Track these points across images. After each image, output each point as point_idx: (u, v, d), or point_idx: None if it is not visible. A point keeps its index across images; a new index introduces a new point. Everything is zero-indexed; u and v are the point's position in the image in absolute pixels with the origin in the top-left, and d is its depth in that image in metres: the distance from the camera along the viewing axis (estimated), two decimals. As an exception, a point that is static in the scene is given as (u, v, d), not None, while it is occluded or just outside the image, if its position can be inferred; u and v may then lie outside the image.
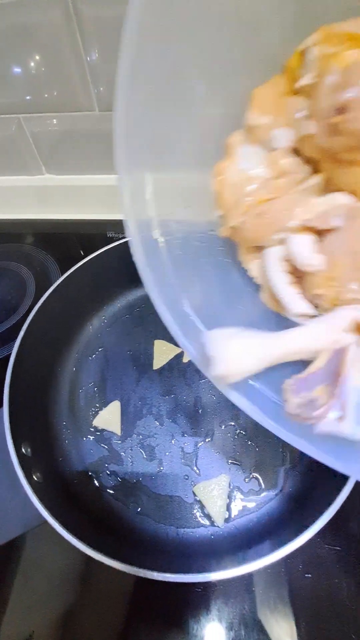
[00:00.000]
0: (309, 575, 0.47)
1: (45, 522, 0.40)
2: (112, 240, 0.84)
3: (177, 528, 0.50)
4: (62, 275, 0.81)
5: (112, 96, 0.49)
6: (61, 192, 0.91)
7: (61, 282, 0.64)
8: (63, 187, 0.90)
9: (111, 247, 0.69)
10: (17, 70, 0.70)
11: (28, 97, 0.75)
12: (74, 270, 0.66)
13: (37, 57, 0.68)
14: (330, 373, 0.28)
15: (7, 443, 0.45)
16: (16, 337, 0.70)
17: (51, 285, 0.80)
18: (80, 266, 0.66)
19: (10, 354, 0.54)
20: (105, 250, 0.68)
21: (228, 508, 0.51)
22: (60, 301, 0.65)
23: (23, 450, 0.47)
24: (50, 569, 0.49)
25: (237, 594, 0.46)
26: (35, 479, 0.45)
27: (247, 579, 0.47)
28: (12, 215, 0.96)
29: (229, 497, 0.52)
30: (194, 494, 0.52)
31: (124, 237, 0.70)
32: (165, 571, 0.39)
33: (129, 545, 0.47)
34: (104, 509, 0.51)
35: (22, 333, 0.56)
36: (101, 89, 0.71)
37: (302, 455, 0.34)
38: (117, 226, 0.91)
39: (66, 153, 0.85)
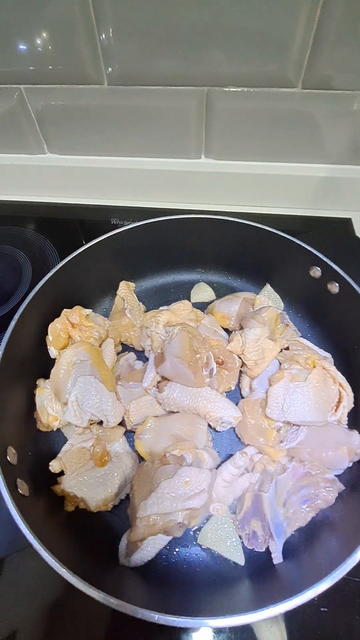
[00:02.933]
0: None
1: (30, 545, 0.35)
2: (115, 227, 0.79)
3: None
4: (60, 261, 0.76)
5: (124, 68, 0.44)
6: (63, 173, 0.84)
7: (58, 269, 0.59)
8: (66, 168, 0.83)
9: (114, 234, 0.63)
10: (22, 38, 0.63)
11: (31, 67, 0.68)
12: (73, 257, 0.60)
13: (43, 25, 0.62)
14: (256, 510, 0.46)
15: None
16: (6, 328, 0.65)
17: (48, 272, 0.75)
18: (80, 253, 0.60)
19: None
20: (108, 237, 0.62)
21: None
22: (56, 290, 0.59)
23: (8, 457, 0.42)
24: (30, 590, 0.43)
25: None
26: (21, 491, 0.40)
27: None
28: (9, 197, 0.89)
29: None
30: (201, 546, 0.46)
31: (128, 224, 0.65)
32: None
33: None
34: (99, 529, 0.46)
35: (12, 324, 0.51)
36: (114, 63, 0.65)
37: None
38: (122, 212, 0.84)
39: (71, 130, 0.78)
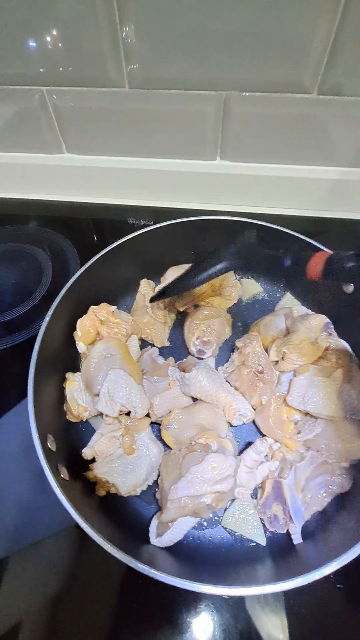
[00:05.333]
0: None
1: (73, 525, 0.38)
2: (132, 226, 0.81)
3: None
4: (80, 259, 0.78)
5: (146, 71, 0.45)
6: (81, 173, 0.86)
7: (86, 268, 0.61)
8: (84, 168, 0.85)
9: (138, 235, 0.65)
10: (44, 40, 0.65)
11: (53, 69, 0.70)
12: (100, 257, 0.62)
13: (66, 26, 0.64)
14: (276, 495, 0.49)
15: (33, 437, 0.42)
16: (34, 322, 0.67)
17: (69, 269, 0.77)
18: (105, 252, 0.63)
19: (29, 339, 0.51)
20: (132, 237, 0.65)
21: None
22: (82, 289, 0.61)
23: (48, 444, 0.45)
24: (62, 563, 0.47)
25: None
26: (62, 476, 0.43)
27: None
28: (27, 195, 0.91)
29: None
30: (225, 528, 0.50)
31: (145, 224, 0.67)
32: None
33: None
34: (129, 513, 0.50)
35: (46, 320, 0.53)
36: (135, 65, 0.67)
37: None
38: (139, 212, 0.87)
39: (89, 131, 0.80)
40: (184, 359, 0.60)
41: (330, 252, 0.48)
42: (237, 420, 0.55)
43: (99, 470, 0.49)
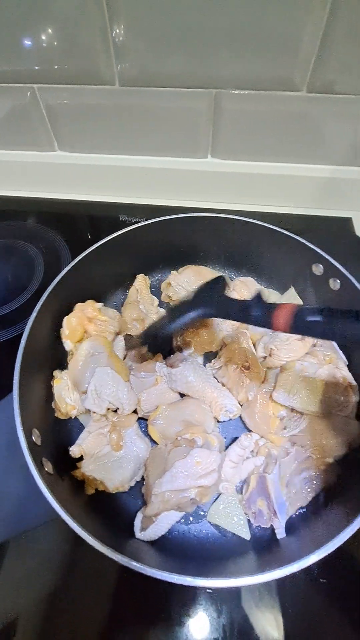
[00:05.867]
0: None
1: (55, 518, 0.38)
2: (124, 223, 0.81)
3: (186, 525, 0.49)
4: (72, 256, 0.78)
5: (136, 69, 0.44)
6: (73, 170, 0.87)
7: (74, 264, 0.61)
8: (75, 166, 0.86)
9: (127, 231, 0.65)
10: (35, 37, 0.65)
11: (45, 67, 0.70)
12: (88, 253, 0.63)
13: (57, 24, 0.64)
14: (261, 490, 0.49)
15: (18, 431, 0.43)
16: (25, 318, 0.67)
17: (61, 266, 0.77)
18: (94, 249, 0.63)
19: (21, 334, 0.51)
20: (120, 234, 0.65)
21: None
22: (70, 285, 0.61)
23: (33, 438, 0.45)
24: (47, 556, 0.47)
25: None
26: (46, 469, 0.43)
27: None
28: (20, 193, 0.92)
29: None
30: (210, 523, 0.50)
31: (137, 222, 0.67)
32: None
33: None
34: (115, 508, 0.50)
35: (33, 316, 0.54)
36: (125, 63, 0.67)
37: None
38: (130, 209, 0.87)
39: (81, 129, 0.80)
40: (171, 355, 0.60)
41: (295, 303, 0.50)
42: (224, 416, 0.56)
43: (86, 469, 0.50)
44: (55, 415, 0.55)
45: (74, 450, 0.51)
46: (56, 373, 0.57)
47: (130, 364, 0.60)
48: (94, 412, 0.52)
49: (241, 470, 0.52)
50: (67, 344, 0.58)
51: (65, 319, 0.59)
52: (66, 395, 0.55)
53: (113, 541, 0.40)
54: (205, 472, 0.45)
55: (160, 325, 0.53)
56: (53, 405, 0.56)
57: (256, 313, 0.44)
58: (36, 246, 0.81)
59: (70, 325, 0.58)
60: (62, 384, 0.56)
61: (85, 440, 0.52)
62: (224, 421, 0.57)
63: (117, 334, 0.62)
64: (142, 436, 0.54)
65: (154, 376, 0.57)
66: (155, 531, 0.46)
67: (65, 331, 0.58)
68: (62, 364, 0.60)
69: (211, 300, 0.49)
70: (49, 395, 0.56)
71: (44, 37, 0.65)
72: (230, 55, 0.64)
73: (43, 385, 0.56)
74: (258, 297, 0.45)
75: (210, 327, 0.63)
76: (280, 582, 0.46)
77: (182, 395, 0.58)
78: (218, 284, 0.52)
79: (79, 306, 0.60)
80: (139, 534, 0.46)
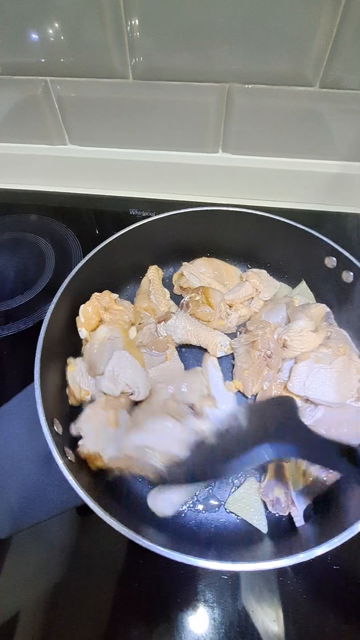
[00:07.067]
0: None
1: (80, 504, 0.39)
2: (135, 218, 0.81)
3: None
4: (82, 250, 0.79)
5: (150, 63, 0.44)
6: (84, 164, 0.87)
7: (91, 256, 0.62)
8: (86, 160, 0.86)
9: (143, 224, 0.66)
10: (48, 30, 0.65)
11: (57, 60, 0.70)
12: (105, 245, 0.63)
13: (71, 16, 0.64)
14: (278, 479, 0.50)
15: (41, 420, 0.43)
16: (35, 311, 0.68)
17: (72, 259, 0.78)
18: (110, 241, 0.63)
19: (32, 327, 0.52)
20: (137, 227, 0.65)
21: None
22: (86, 276, 0.62)
23: (55, 427, 0.45)
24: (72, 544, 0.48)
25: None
26: (69, 458, 0.44)
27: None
28: (30, 186, 0.91)
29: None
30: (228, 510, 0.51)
31: (147, 216, 0.68)
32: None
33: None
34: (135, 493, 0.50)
35: (51, 307, 0.54)
36: (139, 57, 0.67)
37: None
38: (140, 204, 0.87)
39: (92, 122, 0.80)
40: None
41: None
42: (220, 351, 0.61)
43: (84, 444, 0.49)
44: (70, 402, 0.56)
45: (73, 429, 0.50)
46: (70, 360, 0.58)
47: (141, 340, 0.61)
48: (104, 394, 0.53)
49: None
50: (82, 332, 0.59)
51: (82, 307, 0.59)
52: (80, 380, 0.55)
53: (131, 524, 0.40)
54: (173, 440, 0.45)
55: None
56: (67, 392, 0.56)
57: None
58: (46, 239, 0.82)
59: (87, 313, 0.59)
60: (75, 370, 0.56)
61: (84, 418, 0.52)
62: (221, 357, 0.62)
63: (132, 324, 0.63)
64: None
65: (164, 354, 0.59)
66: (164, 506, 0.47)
67: (81, 319, 0.59)
68: (75, 354, 0.61)
69: (291, 434, 0.37)
70: (64, 384, 0.57)
71: (57, 30, 0.65)
72: (243, 49, 0.65)
73: (58, 375, 0.57)
74: None
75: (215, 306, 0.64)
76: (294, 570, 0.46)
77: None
78: (290, 408, 0.40)
79: (95, 295, 0.61)
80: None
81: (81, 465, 0.47)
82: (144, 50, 0.66)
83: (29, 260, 0.78)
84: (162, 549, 0.38)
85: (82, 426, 0.51)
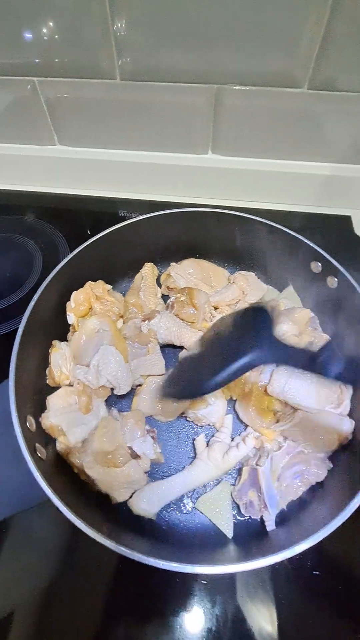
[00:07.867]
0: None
1: (48, 500, 0.39)
2: (123, 219, 0.81)
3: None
4: (71, 251, 0.79)
5: (137, 63, 0.44)
6: (73, 165, 0.87)
7: (71, 258, 0.62)
8: (75, 160, 0.86)
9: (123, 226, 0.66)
10: (36, 30, 0.66)
11: (45, 60, 0.70)
12: (85, 247, 0.63)
13: (58, 16, 0.64)
14: (252, 482, 0.50)
15: (12, 416, 0.43)
16: (23, 312, 0.68)
17: (59, 261, 0.78)
18: (91, 243, 0.64)
19: (17, 329, 0.52)
20: (128, 224, 0.66)
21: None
22: (69, 277, 0.62)
23: (27, 425, 0.46)
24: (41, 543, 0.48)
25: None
26: (39, 455, 0.44)
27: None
28: (19, 187, 0.92)
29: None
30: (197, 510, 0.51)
31: (136, 217, 0.68)
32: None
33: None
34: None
35: (31, 305, 0.54)
36: (127, 57, 0.67)
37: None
38: (130, 205, 0.87)
39: (81, 123, 0.80)
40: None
41: None
42: None
43: (51, 419, 0.50)
44: (47, 382, 0.56)
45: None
46: (55, 342, 0.59)
47: (125, 332, 0.61)
48: (79, 382, 0.53)
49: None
50: (71, 317, 0.60)
51: (74, 293, 0.61)
52: (63, 364, 0.56)
53: (105, 528, 0.40)
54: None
55: (191, 371, 0.44)
56: (47, 372, 0.57)
57: (332, 367, 0.36)
58: (35, 241, 0.82)
59: (78, 300, 0.60)
60: (59, 353, 0.57)
61: (53, 396, 0.53)
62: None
63: (120, 316, 0.64)
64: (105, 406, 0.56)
65: (146, 347, 0.60)
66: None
67: (71, 304, 0.60)
68: (62, 336, 0.61)
69: (262, 343, 0.38)
70: (44, 365, 0.57)
71: (45, 30, 0.66)
72: (232, 50, 0.65)
73: (40, 356, 0.57)
74: (329, 347, 0.38)
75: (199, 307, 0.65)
76: (275, 575, 0.46)
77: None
78: (263, 318, 0.41)
79: (89, 284, 0.62)
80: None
81: (52, 463, 0.48)
82: (131, 51, 0.66)
83: (16, 262, 0.79)
84: (129, 551, 0.38)
85: (50, 400, 0.52)
